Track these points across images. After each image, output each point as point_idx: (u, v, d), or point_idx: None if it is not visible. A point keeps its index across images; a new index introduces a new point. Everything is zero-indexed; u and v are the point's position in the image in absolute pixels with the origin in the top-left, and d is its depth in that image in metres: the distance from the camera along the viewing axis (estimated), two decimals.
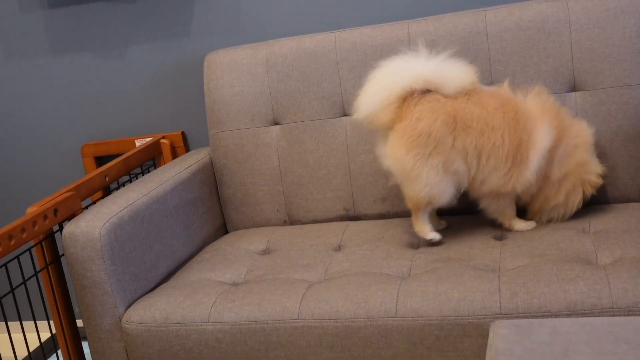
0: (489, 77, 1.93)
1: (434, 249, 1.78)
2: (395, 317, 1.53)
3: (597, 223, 1.77)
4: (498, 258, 1.66)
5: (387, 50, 1.99)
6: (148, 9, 2.31)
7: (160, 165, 2.36)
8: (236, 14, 2.25)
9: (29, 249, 1.83)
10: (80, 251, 1.69)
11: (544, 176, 1.76)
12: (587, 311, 1.42)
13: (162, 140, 2.34)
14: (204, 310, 1.66)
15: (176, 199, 1.96)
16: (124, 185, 2.31)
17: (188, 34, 2.30)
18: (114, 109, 2.44)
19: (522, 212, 1.85)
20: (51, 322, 2.70)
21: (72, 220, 1.74)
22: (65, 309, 1.87)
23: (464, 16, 1.96)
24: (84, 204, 2.49)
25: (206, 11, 2.27)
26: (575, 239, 1.68)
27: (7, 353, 2.58)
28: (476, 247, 1.74)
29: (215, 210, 2.18)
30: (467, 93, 1.74)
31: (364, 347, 1.55)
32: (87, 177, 1.95)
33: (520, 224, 1.81)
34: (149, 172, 2.39)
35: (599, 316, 1.41)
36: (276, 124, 2.12)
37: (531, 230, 1.80)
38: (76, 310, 2.51)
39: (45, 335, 2.68)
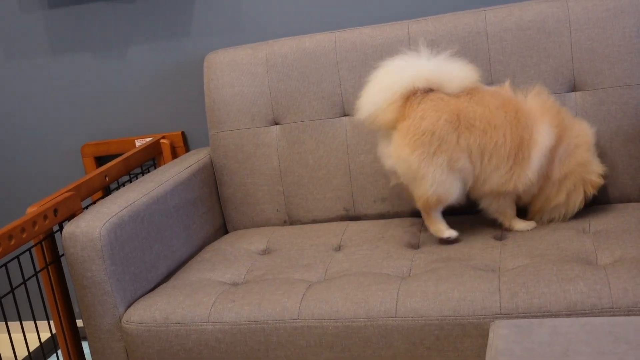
0: (489, 77, 1.93)
1: (434, 248, 1.78)
2: (395, 317, 1.53)
3: (597, 223, 1.77)
4: (498, 258, 1.66)
5: (387, 50, 1.99)
6: (148, 9, 2.31)
7: (160, 165, 2.36)
8: (236, 14, 2.25)
9: (29, 249, 1.83)
10: (80, 251, 1.70)
11: (545, 176, 1.76)
12: (587, 311, 1.42)
13: (162, 140, 2.34)
14: (204, 310, 1.66)
15: (176, 199, 1.96)
16: (124, 185, 2.31)
17: (188, 34, 2.30)
18: (114, 109, 2.44)
19: (523, 212, 1.85)
20: (51, 322, 2.70)
21: (72, 220, 1.74)
22: (65, 309, 1.87)
23: (463, 16, 1.96)
24: (84, 204, 2.49)
25: (206, 11, 2.27)
26: (575, 239, 1.68)
27: (7, 353, 2.58)
28: (476, 247, 1.74)
29: (215, 210, 2.18)
30: (469, 92, 1.74)
31: (364, 347, 1.55)
32: (87, 177, 1.95)
33: (520, 224, 1.81)
34: (149, 172, 2.39)
35: (599, 316, 1.41)
36: (276, 124, 2.12)
37: (531, 230, 1.80)
38: (76, 310, 2.51)
39: (45, 335, 2.68)
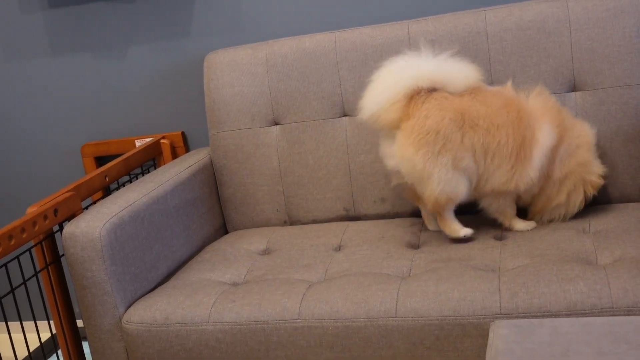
0: (489, 77, 1.93)
1: (434, 248, 1.78)
2: (396, 317, 1.53)
3: (597, 223, 1.77)
4: (498, 258, 1.66)
5: (387, 50, 1.99)
6: (148, 9, 2.31)
7: (160, 166, 2.36)
8: (236, 14, 2.25)
9: (29, 249, 1.83)
10: (81, 251, 1.70)
11: (546, 175, 1.76)
12: (587, 311, 1.42)
13: (162, 141, 2.34)
14: (204, 310, 1.66)
15: (176, 199, 1.96)
16: (124, 186, 2.32)
17: (188, 34, 2.30)
18: (114, 109, 2.44)
19: (523, 212, 1.85)
20: (51, 322, 2.70)
21: (72, 221, 1.74)
22: (65, 309, 1.87)
23: (464, 16, 1.96)
24: (84, 204, 2.49)
25: (206, 11, 2.27)
26: (575, 239, 1.68)
27: (8, 353, 2.58)
28: (476, 247, 1.74)
29: (215, 211, 2.18)
30: (472, 92, 1.74)
31: (364, 347, 1.55)
32: (87, 177, 1.95)
33: (520, 224, 1.82)
34: (149, 172, 2.39)
35: (599, 316, 1.41)
36: (276, 124, 2.12)
37: (531, 230, 1.80)
38: (76, 310, 2.51)
39: (45, 336, 2.68)
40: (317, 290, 1.64)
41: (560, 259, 1.58)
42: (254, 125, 2.12)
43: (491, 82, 1.93)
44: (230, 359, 1.64)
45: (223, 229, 2.22)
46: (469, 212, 1.92)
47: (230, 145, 2.13)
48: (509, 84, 1.81)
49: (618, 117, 1.85)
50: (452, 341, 1.50)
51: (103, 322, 1.74)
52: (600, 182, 1.77)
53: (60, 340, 1.89)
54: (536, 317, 1.44)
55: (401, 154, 1.73)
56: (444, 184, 1.71)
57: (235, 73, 2.12)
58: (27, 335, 2.61)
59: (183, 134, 2.39)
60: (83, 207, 1.92)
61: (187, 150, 2.41)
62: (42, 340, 2.62)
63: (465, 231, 1.77)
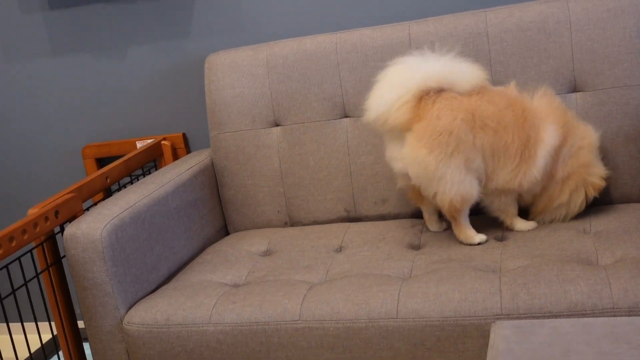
0: (489, 78, 1.93)
1: (435, 249, 1.78)
2: (397, 318, 1.53)
3: (598, 223, 1.77)
4: (499, 259, 1.66)
5: (388, 52, 1.99)
6: (148, 10, 2.31)
7: (161, 167, 2.36)
8: (236, 15, 2.26)
9: (30, 251, 1.83)
10: (82, 253, 1.70)
11: (549, 175, 1.76)
12: (588, 311, 1.42)
13: (163, 142, 2.34)
14: (205, 311, 1.66)
15: (177, 200, 1.97)
16: (125, 187, 2.32)
17: (188, 34, 2.30)
18: (115, 110, 2.44)
19: (524, 213, 1.85)
20: (52, 323, 2.71)
21: (73, 222, 1.74)
22: (66, 310, 1.88)
23: (464, 17, 1.96)
24: (85, 205, 2.49)
25: (206, 12, 2.27)
26: (576, 240, 1.68)
27: (9, 354, 2.58)
28: (477, 248, 1.74)
29: (216, 212, 2.18)
30: (479, 91, 1.73)
31: (365, 348, 1.55)
32: (88, 178, 1.95)
33: (521, 224, 1.82)
34: (150, 173, 2.39)
35: (599, 316, 1.41)
36: (277, 125, 2.12)
37: (532, 230, 1.80)
38: (77, 311, 2.51)
39: (46, 337, 2.68)
40: (318, 291, 1.64)
41: (561, 260, 1.58)
42: (255, 126, 2.12)
43: (492, 83, 1.93)
44: None
45: (224, 230, 2.22)
46: (469, 212, 1.92)
47: (231, 146, 2.14)
48: (513, 84, 1.81)
49: (618, 118, 1.86)
50: (453, 342, 1.50)
51: (104, 323, 1.74)
52: (602, 184, 1.77)
53: (61, 341, 1.89)
54: (537, 317, 1.45)
55: (413, 156, 1.70)
56: (458, 185, 1.69)
57: (236, 74, 2.12)
58: (28, 336, 2.61)
59: (184, 135, 2.39)
60: (84, 208, 1.92)
61: (188, 151, 2.41)
62: (43, 341, 2.62)
63: (480, 238, 1.77)
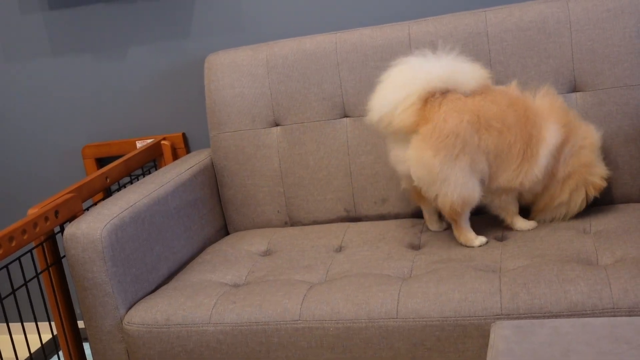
0: (492, 77, 1.93)
1: (435, 249, 1.78)
2: (396, 318, 1.53)
3: (598, 223, 1.77)
4: (499, 259, 1.66)
5: (388, 51, 1.99)
6: (148, 10, 2.31)
7: (161, 167, 2.36)
8: (236, 15, 2.26)
9: (30, 251, 1.83)
10: (81, 252, 1.70)
11: (550, 174, 1.76)
12: (588, 312, 1.42)
13: (162, 142, 2.34)
14: (205, 311, 1.66)
15: (177, 200, 1.97)
16: (124, 187, 2.32)
17: (188, 34, 2.31)
18: (115, 110, 2.45)
19: (526, 213, 1.85)
20: (52, 323, 2.71)
21: (73, 222, 1.74)
22: (66, 310, 1.88)
23: (464, 17, 1.96)
24: (84, 205, 2.49)
25: (206, 12, 2.27)
26: (576, 240, 1.68)
27: (9, 354, 2.58)
28: (477, 248, 1.74)
29: (216, 212, 2.18)
30: (482, 92, 1.73)
31: (365, 348, 1.55)
32: (88, 178, 1.95)
33: (521, 223, 1.82)
34: (149, 173, 2.39)
35: (599, 317, 1.41)
36: (277, 125, 2.12)
37: (531, 230, 1.80)
38: (77, 311, 2.51)
39: (46, 337, 2.68)
40: (318, 291, 1.64)
41: (561, 260, 1.58)
42: (255, 126, 2.12)
43: (492, 83, 1.93)
44: None
45: (224, 230, 2.22)
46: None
47: (231, 146, 2.14)
48: (514, 83, 1.81)
49: (618, 118, 1.86)
50: (453, 342, 1.50)
51: (104, 323, 1.74)
52: (603, 184, 1.77)
53: (61, 341, 1.89)
54: (537, 317, 1.45)
55: (417, 158, 1.69)
56: (461, 187, 1.69)
57: (236, 74, 2.12)
58: (28, 336, 2.61)
59: (184, 135, 2.39)
60: (84, 208, 1.92)
61: (188, 151, 2.41)
62: (43, 341, 2.62)
63: (480, 240, 1.76)
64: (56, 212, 1.78)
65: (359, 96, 2.03)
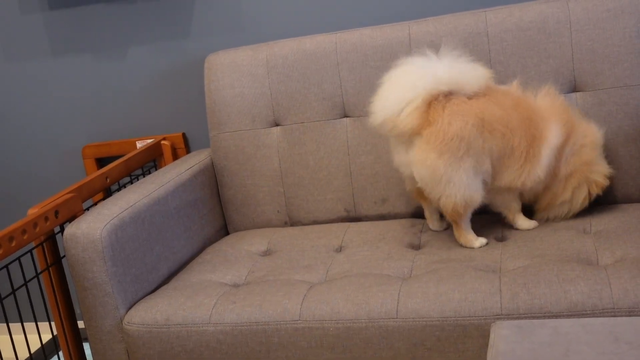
0: (494, 77, 1.92)
1: (435, 249, 1.78)
2: (396, 318, 1.53)
3: (598, 223, 1.77)
4: (499, 259, 1.66)
5: (388, 51, 1.99)
6: (148, 10, 2.31)
7: (161, 167, 2.36)
8: (236, 15, 2.26)
9: (30, 251, 1.83)
10: (81, 252, 1.70)
11: (552, 174, 1.77)
12: (588, 312, 1.42)
13: (162, 142, 2.34)
14: (205, 311, 1.66)
15: (177, 200, 1.97)
16: (124, 187, 2.32)
17: (188, 34, 2.31)
18: (115, 110, 2.45)
19: (529, 212, 1.85)
20: (52, 323, 2.70)
21: (73, 222, 1.74)
22: (66, 310, 1.88)
23: (464, 17, 1.96)
24: (84, 205, 2.49)
25: (206, 12, 2.27)
26: (576, 240, 1.68)
27: (9, 354, 2.58)
28: (477, 248, 1.74)
29: (216, 212, 2.18)
30: (485, 93, 1.73)
31: (365, 348, 1.55)
32: (88, 178, 1.95)
33: (522, 221, 1.82)
34: (149, 173, 2.39)
35: (599, 317, 1.41)
36: (277, 125, 2.12)
37: (532, 230, 1.80)
38: (77, 311, 2.51)
39: (46, 337, 2.68)
40: (318, 291, 1.64)
41: (561, 260, 1.58)
42: (255, 126, 2.12)
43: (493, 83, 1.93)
44: None
45: (224, 230, 2.22)
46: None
47: (231, 146, 2.14)
48: (515, 82, 1.81)
49: (618, 118, 1.86)
50: (453, 342, 1.50)
51: (104, 324, 1.74)
52: (605, 182, 1.78)
53: (61, 342, 1.89)
54: (537, 317, 1.45)
55: (422, 160, 1.69)
56: (465, 189, 1.69)
57: (236, 74, 2.12)
58: (28, 336, 2.61)
59: (184, 135, 2.39)
60: (84, 208, 1.92)
61: (188, 151, 2.42)
62: (43, 342, 2.62)
63: (480, 242, 1.76)
64: (56, 212, 1.78)
65: (359, 96, 2.03)
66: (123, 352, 1.75)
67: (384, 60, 1.99)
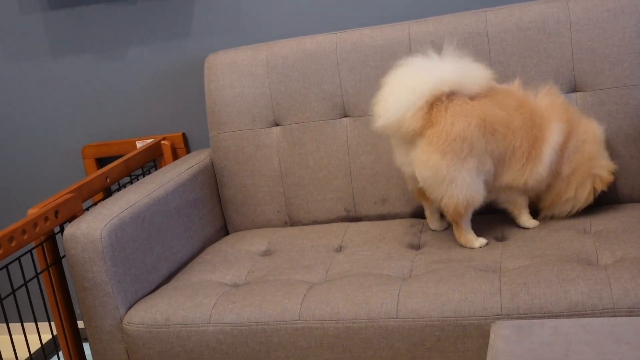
0: (495, 77, 1.92)
1: (435, 249, 1.78)
2: (396, 318, 1.53)
3: (598, 223, 1.77)
4: (499, 259, 1.66)
5: (388, 51, 1.99)
6: (148, 10, 2.31)
7: (161, 167, 2.36)
8: (236, 15, 2.26)
9: (30, 251, 1.83)
10: (81, 252, 1.70)
11: (554, 173, 1.77)
12: (588, 312, 1.42)
13: (162, 142, 2.34)
14: (204, 311, 1.66)
15: (177, 200, 1.97)
16: (124, 187, 2.32)
17: (188, 34, 2.31)
18: (115, 110, 2.45)
19: (534, 213, 1.85)
20: (52, 323, 2.70)
21: (73, 222, 1.74)
22: (66, 311, 1.88)
23: (464, 17, 1.96)
24: (84, 205, 2.49)
25: (206, 12, 2.27)
26: (576, 239, 1.68)
27: (9, 354, 2.58)
28: (477, 248, 1.74)
29: (216, 212, 2.18)
30: (487, 93, 1.73)
31: (365, 348, 1.55)
32: (88, 178, 1.95)
33: (526, 218, 1.82)
34: (149, 173, 2.39)
35: (599, 317, 1.41)
36: (277, 125, 2.12)
37: (532, 230, 1.80)
38: (77, 311, 2.51)
39: (46, 337, 2.68)
40: (317, 291, 1.64)
41: (561, 260, 1.58)
42: (255, 126, 2.12)
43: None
44: None
45: (224, 230, 2.22)
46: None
47: (230, 146, 2.14)
48: (517, 81, 1.81)
49: (618, 118, 1.86)
50: (453, 342, 1.50)
51: (104, 324, 1.74)
52: (610, 178, 1.78)
53: (61, 342, 1.89)
54: (537, 317, 1.44)
55: (424, 160, 1.69)
56: (467, 189, 1.69)
57: (236, 74, 2.12)
58: (28, 336, 2.61)
59: (184, 135, 2.39)
60: (84, 208, 1.92)
61: (188, 151, 2.42)
62: (43, 342, 2.62)
63: (480, 242, 1.76)
64: (56, 212, 1.78)
65: (359, 96, 2.03)
66: (123, 352, 1.75)
67: (384, 60, 1.99)
